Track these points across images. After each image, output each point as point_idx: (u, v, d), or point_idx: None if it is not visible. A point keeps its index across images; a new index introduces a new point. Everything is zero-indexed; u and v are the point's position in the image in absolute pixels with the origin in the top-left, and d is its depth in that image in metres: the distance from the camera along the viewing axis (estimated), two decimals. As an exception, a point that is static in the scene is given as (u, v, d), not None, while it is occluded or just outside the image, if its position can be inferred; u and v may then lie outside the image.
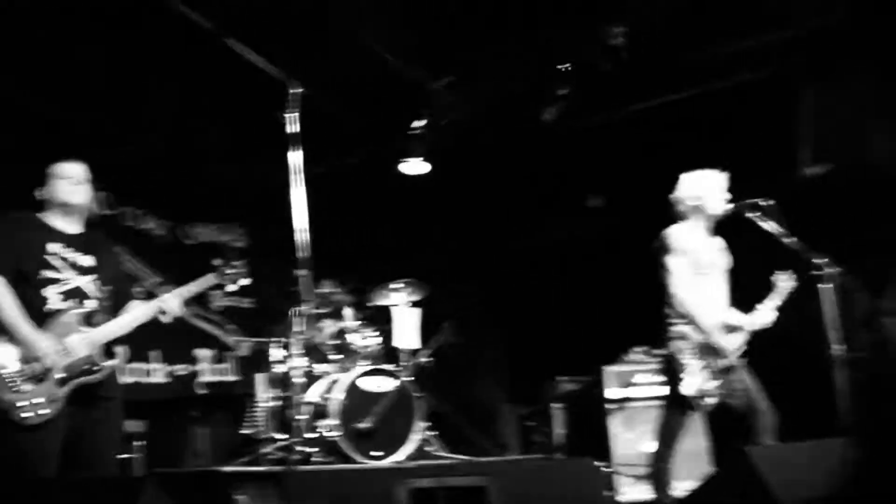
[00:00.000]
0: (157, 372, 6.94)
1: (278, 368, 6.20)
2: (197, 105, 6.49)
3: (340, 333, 6.44)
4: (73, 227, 3.79)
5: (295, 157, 3.70)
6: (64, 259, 3.65)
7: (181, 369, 7.19)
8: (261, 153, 6.95)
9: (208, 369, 7.41)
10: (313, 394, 5.97)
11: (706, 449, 6.01)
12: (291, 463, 4.06)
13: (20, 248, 3.55)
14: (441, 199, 7.96)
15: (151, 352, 6.92)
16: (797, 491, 3.01)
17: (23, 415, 3.30)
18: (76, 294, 3.63)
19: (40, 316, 3.50)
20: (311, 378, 6.13)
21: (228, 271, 4.07)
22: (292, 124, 3.76)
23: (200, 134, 6.91)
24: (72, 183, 3.76)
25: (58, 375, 3.43)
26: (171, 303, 3.79)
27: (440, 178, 7.53)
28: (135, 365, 6.74)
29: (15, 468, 3.35)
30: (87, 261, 3.74)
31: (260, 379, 6.43)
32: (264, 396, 6.30)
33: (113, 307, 3.79)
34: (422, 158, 7.25)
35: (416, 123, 6.94)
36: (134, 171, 6.90)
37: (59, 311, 3.54)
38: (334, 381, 5.87)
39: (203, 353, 7.38)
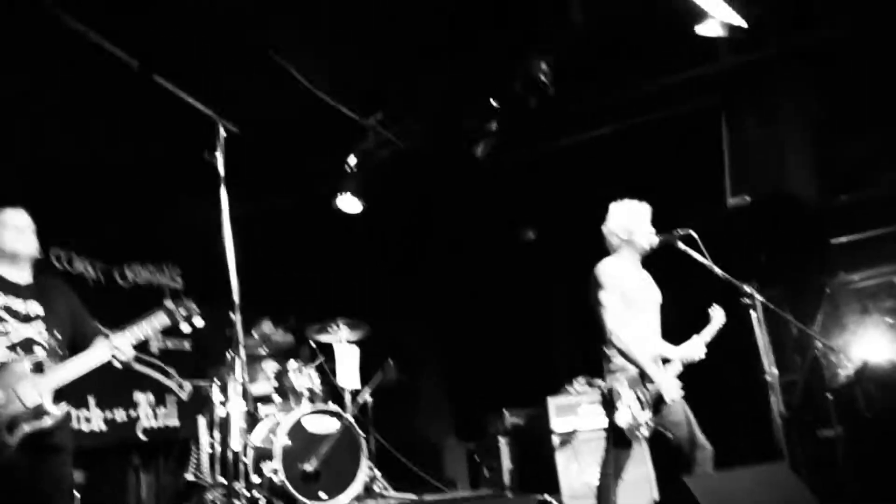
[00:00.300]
0: (94, 418, 6.77)
1: (220, 411, 6.12)
2: (126, 143, 6.40)
3: (281, 374, 6.39)
4: (20, 275, 3.83)
5: (224, 198, 3.66)
6: (12, 311, 3.67)
7: (120, 415, 7.02)
8: (195, 192, 6.92)
9: (149, 414, 7.25)
10: (257, 437, 5.92)
11: (650, 477, 6.06)
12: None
13: None
14: (377, 234, 7.97)
15: (88, 397, 6.74)
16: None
17: None
18: (25, 344, 3.64)
19: None
20: (255, 420, 6.08)
21: (182, 311, 4.06)
22: (220, 165, 3.71)
23: (131, 172, 6.81)
24: (17, 231, 3.81)
25: (9, 423, 3.41)
26: (124, 346, 3.80)
27: (375, 214, 7.54)
28: (71, 412, 6.57)
29: None
30: (35, 309, 3.75)
31: (202, 422, 6.33)
32: (207, 441, 6.21)
33: (71, 349, 3.80)
34: (351, 194, 7.24)
35: (349, 160, 6.94)
36: (64, 211, 6.80)
37: (5, 363, 3.53)
38: (277, 423, 5.83)
39: (142, 396, 7.22)
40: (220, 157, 3.81)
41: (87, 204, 6.81)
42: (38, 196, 6.25)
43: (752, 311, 4.53)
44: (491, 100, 6.15)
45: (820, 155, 6.25)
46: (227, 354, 6.27)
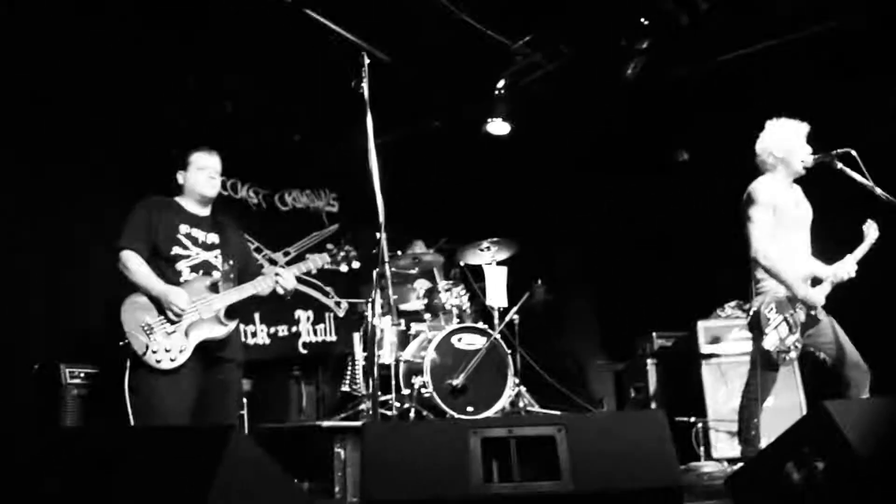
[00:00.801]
0: (259, 333, 7.25)
1: (374, 329, 6.40)
2: (281, 75, 6.65)
3: (432, 293, 6.60)
4: (202, 210, 4.35)
5: (369, 125, 3.84)
6: (194, 238, 4.20)
7: (283, 330, 7.48)
8: (348, 120, 7.12)
9: (308, 330, 7.68)
10: (408, 352, 6.17)
11: (802, 405, 5.93)
12: (372, 417, 4.32)
13: (158, 228, 4.09)
14: (528, 158, 7.97)
15: (254, 314, 7.23)
16: (878, 445, 2.97)
17: (157, 359, 3.82)
18: (203, 266, 4.17)
19: (175, 285, 4.02)
20: (406, 336, 6.34)
21: (341, 254, 4.51)
22: (366, 93, 3.89)
23: (287, 103, 7.08)
24: (209, 175, 4.31)
25: (187, 329, 3.94)
26: (288, 279, 4.28)
27: (526, 138, 7.54)
28: (240, 327, 7.05)
29: (151, 410, 3.85)
30: (213, 238, 4.28)
31: (357, 338, 6.65)
32: (362, 355, 6.52)
33: (237, 280, 4.28)
34: (501, 118, 7.28)
35: (498, 84, 6.94)
36: (226, 140, 7.17)
37: (189, 280, 4.08)
38: (428, 340, 6.05)
39: (303, 314, 7.66)
40: (365, 85, 3.95)
41: (247, 135, 7.17)
42: (203, 129, 6.75)
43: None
44: (641, 18, 5.99)
45: None
46: (374, 273, 6.57)
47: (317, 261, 4.46)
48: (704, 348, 6.30)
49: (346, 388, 6.62)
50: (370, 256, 6.45)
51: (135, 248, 4.01)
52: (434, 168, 7.96)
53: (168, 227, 4.13)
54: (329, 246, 4.58)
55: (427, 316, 6.55)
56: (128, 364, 3.89)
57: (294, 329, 7.58)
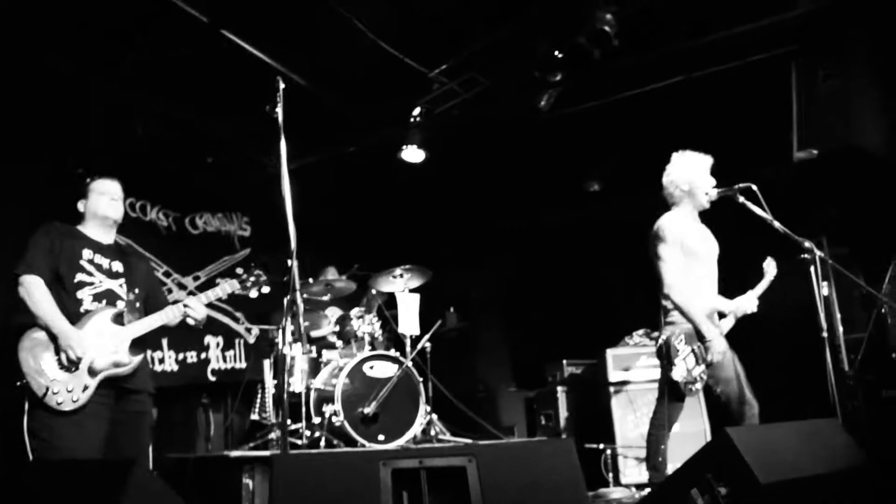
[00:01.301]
0: (167, 359, 7.07)
1: (284, 355, 6.32)
2: (195, 95, 6.56)
3: (344, 320, 6.56)
4: (106, 237, 4.22)
5: (283, 149, 3.82)
6: (98, 265, 4.06)
7: (191, 356, 7.31)
8: (261, 143, 7.08)
9: (218, 356, 7.53)
10: (319, 380, 6.10)
11: (706, 432, 6.09)
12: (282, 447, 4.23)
13: (60, 254, 3.94)
14: (441, 185, 8.02)
15: (162, 339, 7.04)
16: (778, 471, 3.06)
17: (58, 400, 3.65)
18: (107, 296, 4.03)
19: (76, 316, 3.89)
20: (317, 364, 6.27)
21: (251, 279, 4.44)
22: (280, 118, 3.87)
23: (201, 125, 6.99)
24: (111, 199, 4.21)
25: (90, 366, 3.78)
26: (198, 308, 4.20)
27: (439, 165, 7.59)
28: (147, 356, 6.88)
29: (55, 453, 3.65)
30: (117, 266, 4.15)
31: (267, 366, 6.55)
32: (272, 383, 6.43)
33: (143, 310, 4.17)
34: (416, 146, 7.33)
35: (414, 112, 6.99)
36: (137, 162, 7.03)
37: (90, 311, 3.92)
38: (339, 367, 6.00)
39: (212, 340, 7.50)
40: (280, 110, 3.92)
41: (159, 157, 7.04)
42: (114, 150, 6.60)
43: (811, 267, 4.47)
44: (555, 51, 6.11)
45: (892, 108, 6.05)
46: (285, 300, 6.51)
47: (226, 287, 4.38)
48: (613, 376, 6.43)
49: (255, 417, 6.52)
50: (281, 282, 6.42)
51: (38, 273, 3.87)
52: (348, 194, 7.94)
53: (71, 252, 4.00)
54: (238, 271, 4.49)
55: (339, 343, 6.50)
56: (26, 406, 3.69)
57: (203, 355, 7.41)
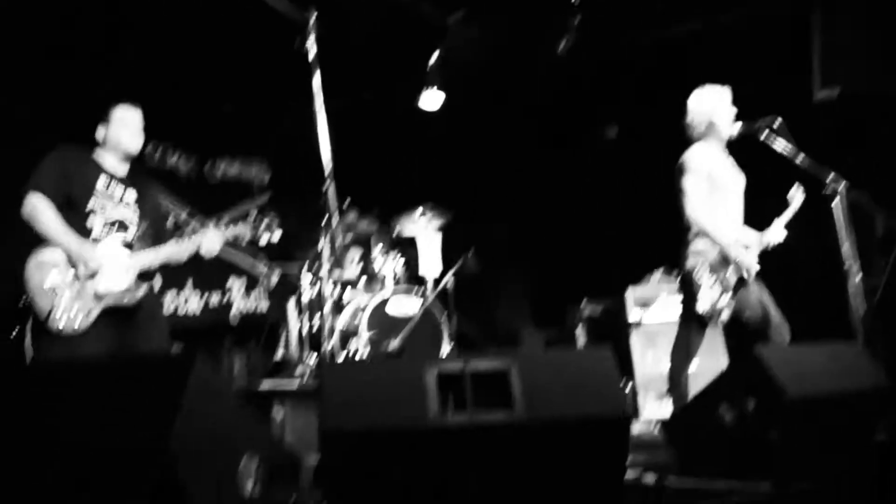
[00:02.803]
0: (191, 301, 7.17)
1: (307, 295, 6.41)
2: (218, 41, 6.57)
3: (366, 261, 6.62)
4: (122, 165, 4.15)
5: (317, 85, 3.78)
6: (111, 193, 3.99)
7: (215, 298, 7.42)
8: (281, 88, 7.08)
9: (241, 298, 7.63)
10: (342, 319, 6.19)
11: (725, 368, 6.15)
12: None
13: (73, 179, 3.86)
14: (458, 130, 8.03)
15: (186, 280, 7.15)
16: (806, 386, 3.14)
17: (60, 324, 3.56)
18: (118, 224, 3.96)
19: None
20: (340, 304, 6.36)
21: (262, 225, 4.34)
22: (312, 54, 3.81)
23: (220, 69, 7.00)
24: (131, 130, 4.13)
25: (96, 292, 3.70)
26: (213, 240, 4.11)
27: (459, 110, 7.60)
28: (171, 292, 7.00)
29: None
30: (131, 195, 4.08)
31: (291, 306, 6.63)
32: (295, 322, 6.52)
33: (152, 240, 4.10)
34: (434, 89, 7.34)
35: (433, 56, 7.00)
36: (158, 107, 7.04)
37: (101, 238, 3.85)
38: (362, 307, 6.08)
39: (235, 282, 7.60)
40: (312, 44, 3.86)
41: (179, 102, 7.06)
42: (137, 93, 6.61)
43: (834, 202, 4.51)
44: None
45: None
46: (317, 242, 6.59)
47: (237, 230, 4.31)
48: (633, 314, 6.48)
49: (279, 356, 6.62)
50: (304, 225, 6.48)
51: (47, 194, 3.76)
52: (367, 138, 7.96)
53: (85, 179, 3.92)
54: (250, 215, 4.42)
55: (361, 283, 6.58)
56: (29, 323, 3.64)
57: (226, 297, 7.52)
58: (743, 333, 4.64)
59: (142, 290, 3.90)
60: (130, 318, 3.86)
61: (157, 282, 4.39)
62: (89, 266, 3.68)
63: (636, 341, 6.42)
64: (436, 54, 7.12)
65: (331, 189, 3.52)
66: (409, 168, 8.03)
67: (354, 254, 6.86)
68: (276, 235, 4.40)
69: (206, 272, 7.23)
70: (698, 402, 3.53)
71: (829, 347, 3.61)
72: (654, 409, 6.22)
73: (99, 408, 2.16)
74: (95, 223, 3.88)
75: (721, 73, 5.45)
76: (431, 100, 7.50)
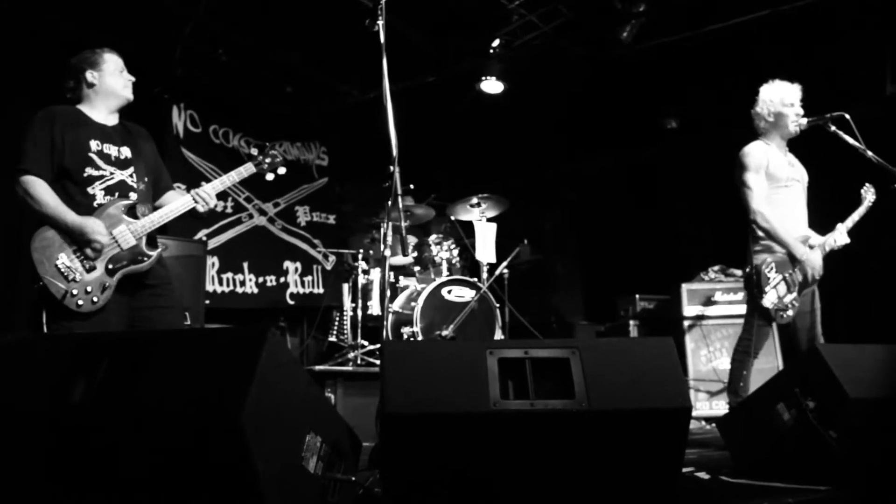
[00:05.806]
0: (248, 283, 7.30)
1: (362, 279, 6.48)
2: (275, 24, 6.65)
3: (422, 246, 6.68)
4: (111, 119, 3.84)
5: (385, 66, 3.75)
6: (106, 155, 3.71)
7: (271, 280, 7.54)
8: (341, 73, 7.17)
9: (296, 281, 7.74)
10: (397, 303, 6.25)
11: (779, 368, 6.09)
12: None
13: (64, 147, 3.59)
14: (517, 118, 8.03)
15: (243, 263, 7.27)
16: (867, 387, 3.10)
17: (78, 302, 3.43)
18: (119, 188, 3.70)
19: (88, 210, 3.59)
20: (395, 289, 6.42)
21: (266, 161, 4.14)
22: (382, 34, 3.76)
23: (281, 55, 7.08)
24: (124, 75, 3.84)
25: (108, 264, 3.55)
26: (207, 194, 3.84)
27: (518, 98, 7.59)
28: (227, 275, 7.12)
29: None
30: (126, 152, 3.79)
31: (346, 289, 6.71)
32: (349, 306, 6.60)
33: (153, 198, 3.90)
34: (496, 78, 7.35)
35: (493, 43, 6.99)
36: (219, 91, 7.18)
37: (103, 205, 3.62)
38: (417, 291, 6.13)
39: (291, 265, 7.71)
40: (381, 22, 3.80)
41: (239, 86, 7.17)
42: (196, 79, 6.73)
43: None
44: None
45: None
46: (372, 227, 6.65)
47: (241, 171, 4.01)
48: (687, 310, 6.43)
49: (333, 339, 6.70)
50: (359, 210, 6.53)
51: (39, 172, 3.52)
52: (426, 124, 8.00)
53: (77, 144, 3.62)
54: (253, 152, 4.19)
55: (417, 269, 6.64)
56: (44, 312, 3.46)
57: (282, 280, 7.64)
58: (791, 337, 4.62)
59: (154, 255, 3.71)
60: (144, 285, 3.72)
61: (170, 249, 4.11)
62: (95, 247, 3.52)
63: (689, 338, 6.38)
64: (497, 40, 7.09)
65: (397, 173, 3.50)
66: (465, 156, 8.04)
67: (411, 240, 6.92)
68: (282, 170, 4.20)
69: (263, 255, 7.36)
70: (755, 401, 3.51)
71: (890, 348, 3.55)
72: (704, 407, 6.18)
73: (175, 378, 2.23)
74: (96, 191, 3.64)
75: (791, 63, 5.39)
76: (491, 87, 7.52)
